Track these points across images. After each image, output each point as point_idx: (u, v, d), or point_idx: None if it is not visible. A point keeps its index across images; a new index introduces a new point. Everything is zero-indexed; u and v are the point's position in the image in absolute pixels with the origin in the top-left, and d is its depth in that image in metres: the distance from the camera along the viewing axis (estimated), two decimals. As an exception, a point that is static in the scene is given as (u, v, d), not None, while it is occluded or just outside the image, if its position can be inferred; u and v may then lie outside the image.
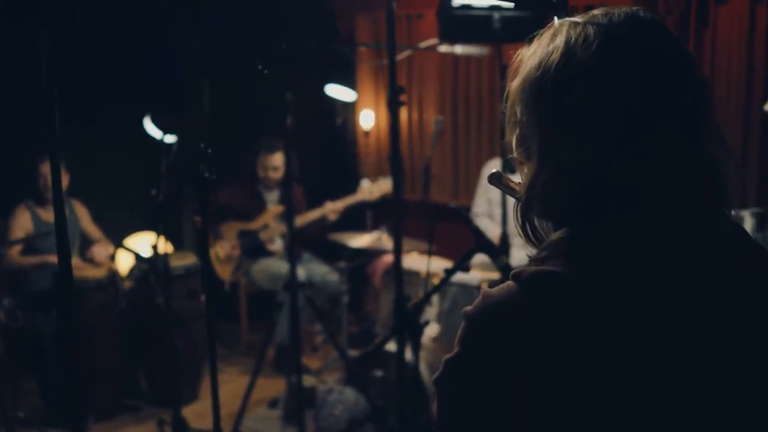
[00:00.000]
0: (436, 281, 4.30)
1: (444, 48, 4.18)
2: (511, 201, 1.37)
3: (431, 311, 4.30)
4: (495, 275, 4.14)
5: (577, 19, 1.08)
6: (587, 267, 0.97)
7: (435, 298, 4.30)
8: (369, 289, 5.58)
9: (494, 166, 5.04)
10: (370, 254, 5.40)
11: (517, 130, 1.08)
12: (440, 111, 5.77)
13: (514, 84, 1.09)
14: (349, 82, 5.92)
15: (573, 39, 1.03)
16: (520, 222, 1.08)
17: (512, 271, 1.01)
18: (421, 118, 6.09)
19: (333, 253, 5.37)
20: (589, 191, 0.99)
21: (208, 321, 2.94)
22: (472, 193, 5.61)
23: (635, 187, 0.98)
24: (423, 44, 4.15)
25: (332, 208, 5.22)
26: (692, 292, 0.98)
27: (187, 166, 2.89)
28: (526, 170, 1.07)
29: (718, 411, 0.97)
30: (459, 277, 4.28)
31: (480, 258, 4.26)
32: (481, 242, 2.33)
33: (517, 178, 1.17)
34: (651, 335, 0.95)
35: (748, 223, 2.64)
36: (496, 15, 3.53)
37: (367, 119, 6.15)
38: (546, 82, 1.02)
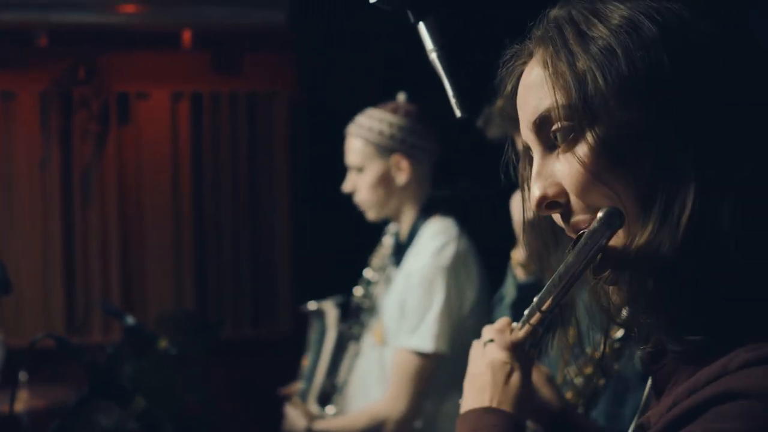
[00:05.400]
0: None
1: None
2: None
3: None
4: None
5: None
6: None
7: None
8: None
9: None
10: None
11: (611, 154, 0.81)
12: None
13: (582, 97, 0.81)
14: None
15: (653, 12, 0.81)
16: (677, 302, 0.77)
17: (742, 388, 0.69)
18: None
19: None
20: None
21: None
22: None
23: None
24: None
25: None
26: None
27: None
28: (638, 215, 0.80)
29: None
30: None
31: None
32: (98, 381, 1.51)
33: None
34: None
35: (332, 314, 2.56)
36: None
37: None
38: (678, 75, 0.79)
